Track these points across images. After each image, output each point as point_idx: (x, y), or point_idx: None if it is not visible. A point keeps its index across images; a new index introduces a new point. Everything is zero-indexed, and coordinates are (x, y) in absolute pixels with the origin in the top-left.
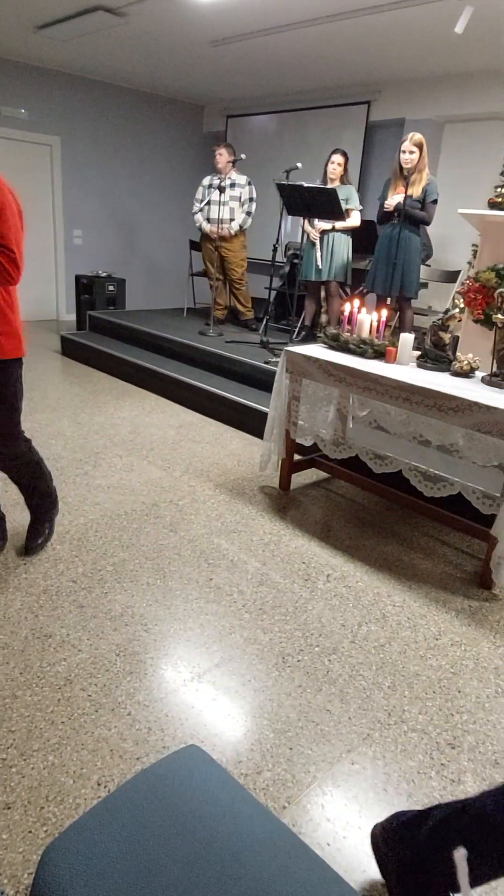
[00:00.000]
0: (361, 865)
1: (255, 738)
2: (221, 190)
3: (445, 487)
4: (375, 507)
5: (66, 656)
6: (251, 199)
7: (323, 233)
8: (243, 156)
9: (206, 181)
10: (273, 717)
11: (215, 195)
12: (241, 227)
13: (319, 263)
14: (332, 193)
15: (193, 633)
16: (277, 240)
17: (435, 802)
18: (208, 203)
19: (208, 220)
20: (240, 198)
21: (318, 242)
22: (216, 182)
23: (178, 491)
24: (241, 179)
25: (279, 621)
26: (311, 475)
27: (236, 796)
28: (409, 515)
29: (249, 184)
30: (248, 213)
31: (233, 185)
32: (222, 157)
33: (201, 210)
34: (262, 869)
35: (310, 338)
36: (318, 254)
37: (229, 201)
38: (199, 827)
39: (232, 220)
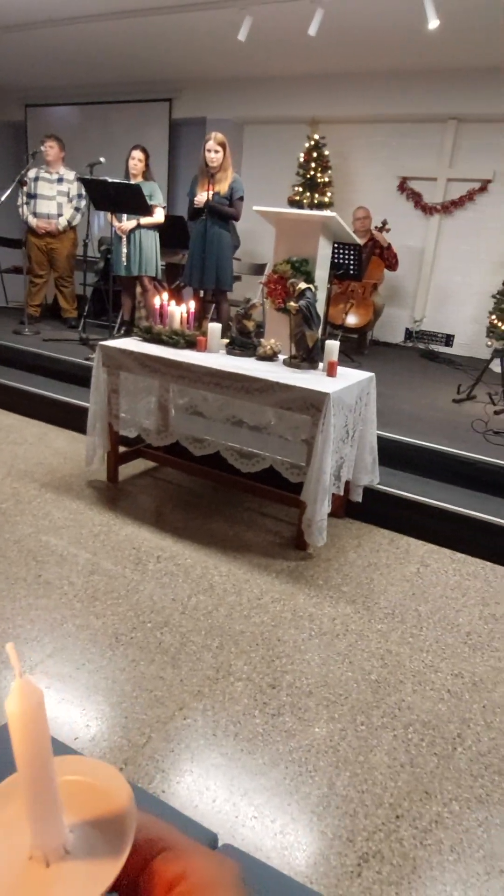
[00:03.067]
0: (193, 802)
1: (91, 715)
2: (22, 184)
3: (258, 462)
4: (202, 490)
5: None
6: (80, 196)
7: (130, 231)
8: (43, 148)
9: (32, 174)
10: (108, 692)
11: (43, 188)
12: (69, 223)
13: (125, 260)
14: (137, 189)
15: (23, 629)
16: (87, 234)
17: (258, 736)
18: (35, 197)
19: (35, 214)
20: (68, 193)
21: (124, 238)
22: (44, 174)
23: (0, 494)
24: (70, 175)
25: (111, 605)
26: (138, 465)
27: None
28: (234, 494)
29: (78, 179)
30: (77, 209)
31: (61, 180)
32: (53, 149)
33: (27, 203)
34: None
35: (130, 332)
36: (124, 250)
37: (57, 196)
38: None
39: (60, 215)
